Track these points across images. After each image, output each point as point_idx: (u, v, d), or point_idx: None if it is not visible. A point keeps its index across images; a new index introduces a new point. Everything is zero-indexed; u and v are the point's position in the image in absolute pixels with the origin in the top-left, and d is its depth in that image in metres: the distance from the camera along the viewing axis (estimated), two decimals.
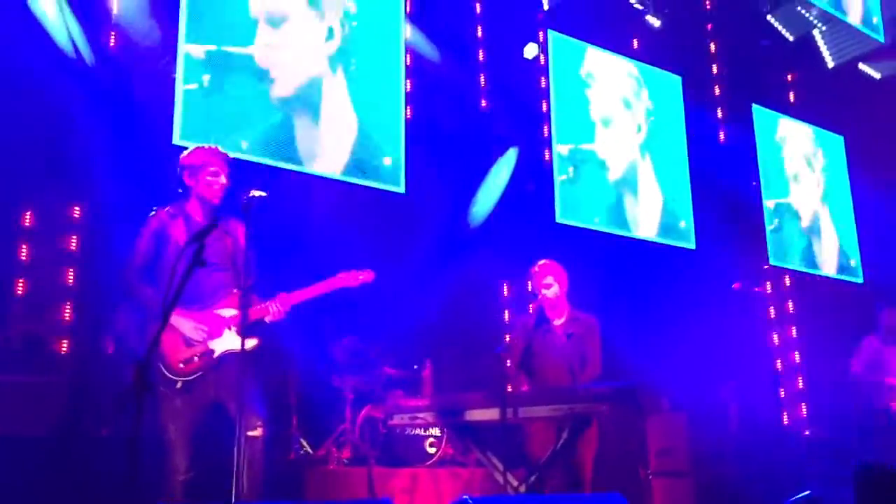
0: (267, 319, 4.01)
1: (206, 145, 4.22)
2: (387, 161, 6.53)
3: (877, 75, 9.53)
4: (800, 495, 3.74)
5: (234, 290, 4.01)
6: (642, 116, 8.31)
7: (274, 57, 6.10)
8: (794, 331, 8.65)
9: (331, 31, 6.50)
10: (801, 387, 8.47)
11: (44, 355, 5.39)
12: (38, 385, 5.00)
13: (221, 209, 4.08)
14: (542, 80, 7.85)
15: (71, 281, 5.47)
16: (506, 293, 7.45)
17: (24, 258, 5.37)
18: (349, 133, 6.42)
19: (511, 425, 4.45)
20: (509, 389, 4.94)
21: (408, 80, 6.92)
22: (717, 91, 9.17)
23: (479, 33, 7.77)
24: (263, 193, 3.82)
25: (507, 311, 7.41)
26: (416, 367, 6.35)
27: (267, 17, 6.15)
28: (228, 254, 4.01)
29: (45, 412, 4.91)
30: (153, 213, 4.09)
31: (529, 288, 5.44)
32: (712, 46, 9.23)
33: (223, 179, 4.09)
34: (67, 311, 5.43)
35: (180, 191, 4.15)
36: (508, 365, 5.29)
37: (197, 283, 3.61)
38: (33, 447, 4.59)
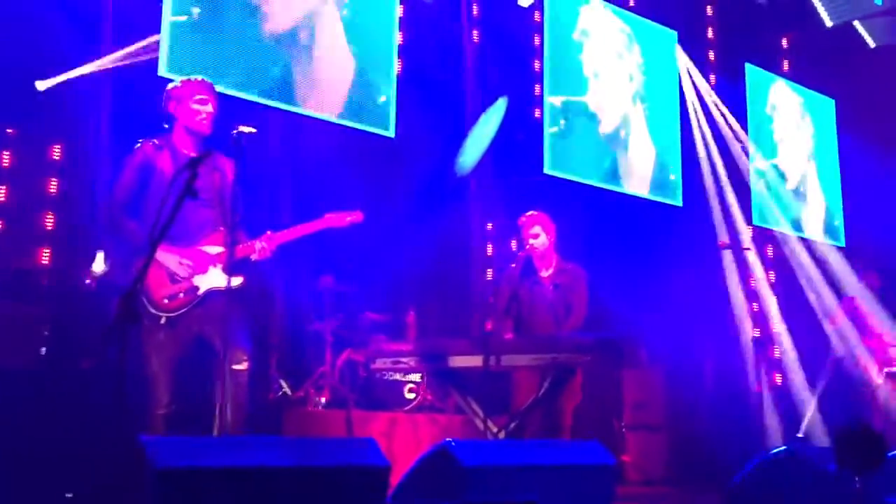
0: (253, 258, 3.97)
1: (193, 77, 4.11)
2: (381, 99, 6.42)
3: (871, 43, 9.47)
4: (776, 450, 3.78)
5: (221, 227, 3.95)
6: (634, 68, 8.24)
7: None
8: (775, 302, 8.70)
9: None
10: (776, 355, 8.55)
11: (25, 288, 5.35)
12: (19, 317, 4.96)
13: (210, 140, 3.99)
14: (536, 38, 7.75)
15: (50, 222, 5.42)
16: (490, 247, 7.43)
17: (2, 199, 5.32)
18: (346, 73, 6.30)
19: (494, 373, 4.47)
20: (492, 335, 4.95)
21: (401, 32, 6.79)
22: (710, 48, 9.09)
23: None
24: (253, 129, 3.76)
25: (492, 260, 7.39)
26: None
27: None
28: (216, 189, 3.92)
29: (26, 344, 4.89)
30: (138, 145, 3.99)
31: (514, 243, 5.44)
32: (709, 9, 9.14)
33: (210, 108, 3.98)
34: (46, 252, 5.39)
35: (166, 126, 4.05)
36: (493, 314, 5.30)
37: (183, 218, 3.46)
38: (14, 379, 4.56)
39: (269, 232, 4.01)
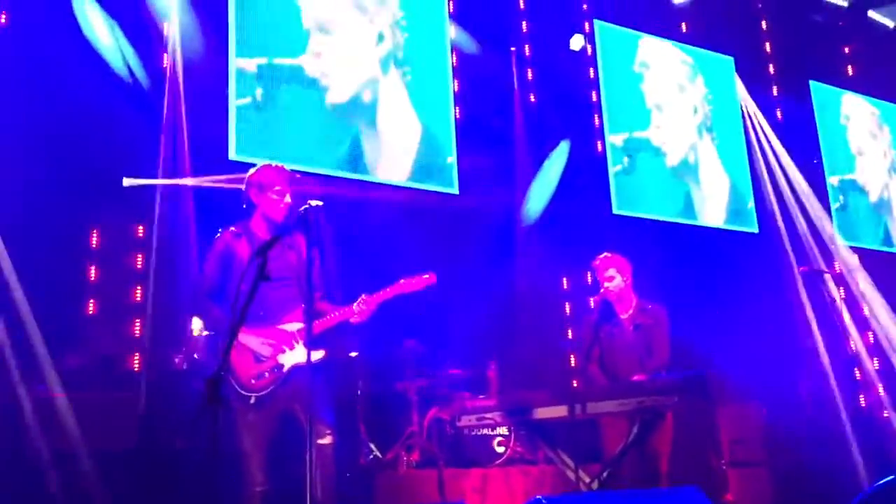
0: (353, 321, 4.05)
1: (272, 163, 4.24)
2: (449, 160, 6.52)
3: (890, 24, 9.15)
4: (884, 480, 3.61)
5: (301, 304, 4.03)
6: (699, 99, 8.16)
7: (325, 64, 6.14)
8: (865, 309, 8.39)
9: (381, 35, 6.52)
10: (876, 367, 8.21)
11: (117, 373, 5.54)
12: (113, 401, 5.13)
13: (283, 225, 4.11)
14: (591, 70, 7.76)
15: (139, 298, 5.59)
16: (566, 288, 7.38)
17: (92, 278, 5.52)
18: (413, 137, 6.43)
19: (580, 421, 4.41)
20: (576, 385, 4.90)
21: (455, 80, 6.90)
22: (771, 69, 8.95)
23: (524, 28, 7.73)
24: (320, 203, 3.85)
25: (567, 305, 7.34)
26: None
27: (317, 25, 6.19)
28: (293, 268, 4.03)
29: (122, 427, 5.04)
30: (219, 234, 4.16)
31: (590, 281, 5.40)
32: (763, 24, 9.01)
33: (288, 199, 4.12)
34: (137, 327, 5.56)
35: (245, 206, 4.20)
36: (575, 362, 5.25)
37: (263, 299, 3.66)
38: (112, 461, 4.71)
39: (363, 295, 4.08)
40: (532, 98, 7.56)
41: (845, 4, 8.87)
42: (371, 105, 6.31)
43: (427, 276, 4.27)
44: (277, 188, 4.10)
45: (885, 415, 7.89)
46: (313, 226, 3.79)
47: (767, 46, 8.98)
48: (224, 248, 4.08)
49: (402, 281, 4.22)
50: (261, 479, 3.85)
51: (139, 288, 5.61)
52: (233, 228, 4.15)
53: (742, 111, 8.47)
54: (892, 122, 9.59)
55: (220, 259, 4.06)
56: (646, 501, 3.34)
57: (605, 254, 5.32)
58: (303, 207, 3.83)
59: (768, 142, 8.55)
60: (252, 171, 4.21)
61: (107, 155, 5.45)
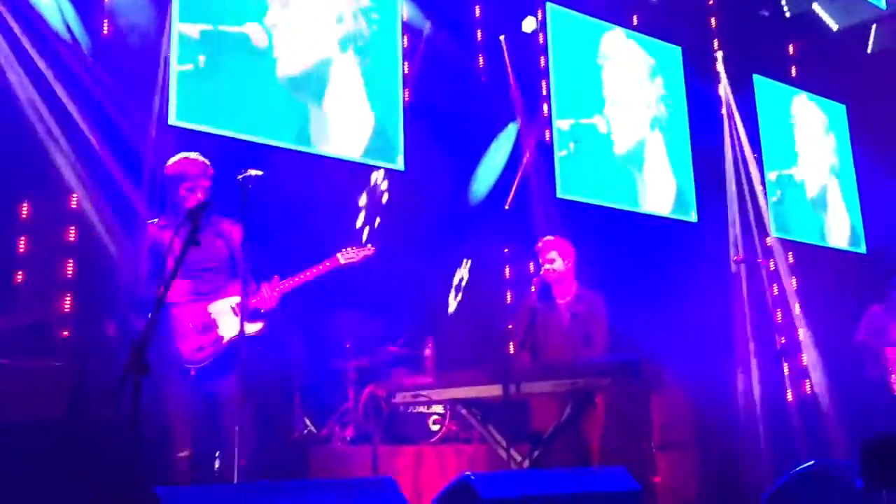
0: (262, 309, 4.11)
1: (188, 156, 4.22)
2: (399, 159, 6.50)
3: (834, 26, 9.36)
4: (803, 466, 3.73)
5: (237, 279, 4.06)
6: (654, 96, 8.26)
7: (279, 37, 6.04)
8: (797, 307, 8.60)
9: (340, 17, 6.44)
10: (804, 363, 8.44)
11: (47, 341, 5.40)
12: (41, 370, 5.01)
13: (218, 187, 4.13)
14: (542, 56, 7.78)
15: (70, 271, 5.43)
16: (507, 271, 7.42)
17: (22, 250, 5.35)
18: (364, 125, 6.38)
19: (514, 401, 4.45)
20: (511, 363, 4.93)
21: (405, 63, 6.85)
22: (717, 61, 9.06)
23: (477, 11, 7.71)
24: (260, 172, 3.82)
25: (509, 290, 7.37)
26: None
27: None
28: (222, 257, 4.11)
29: (51, 397, 4.93)
30: (147, 228, 4.20)
31: (532, 268, 5.42)
32: (713, 21, 9.14)
33: (199, 195, 4.08)
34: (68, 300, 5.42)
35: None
36: (511, 344, 5.28)
37: (196, 286, 3.93)
38: (39, 432, 4.62)
39: (276, 278, 4.10)
40: (482, 79, 7.55)
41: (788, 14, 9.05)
42: (322, 82, 6.23)
43: (364, 249, 4.30)
44: (189, 183, 4.09)
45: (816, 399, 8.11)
46: (250, 195, 3.78)
47: (715, 40, 9.10)
48: (152, 244, 4.10)
49: (336, 255, 4.25)
50: (186, 445, 3.88)
51: (70, 261, 5.45)
52: (157, 220, 4.18)
53: (689, 100, 8.56)
54: (837, 130, 9.83)
55: (151, 254, 4.06)
56: (573, 480, 3.38)
57: (549, 237, 5.35)
58: (241, 176, 3.80)
59: (717, 131, 8.68)
60: (169, 162, 4.20)
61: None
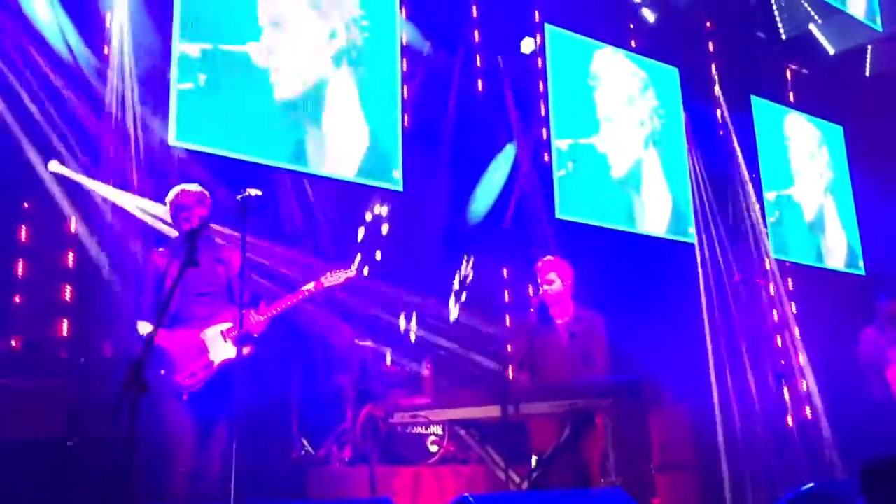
0: (253, 334, 4.17)
1: (186, 187, 4.29)
2: (396, 173, 6.50)
3: (831, 50, 9.42)
4: (803, 487, 3.70)
5: (227, 311, 4.15)
6: (647, 112, 8.28)
7: (276, 59, 6.06)
8: (796, 331, 8.57)
9: (333, 32, 6.47)
10: (805, 389, 8.40)
11: (45, 361, 5.39)
12: (40, 389, 5.01)
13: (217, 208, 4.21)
14: (541, 75, 7.81)
15: (69, 295, 5.48)
16: (507, 294, 7.40)
17: (20, 274, 5.40)
18: (360, 142, 6.39)
19: (513, 422, 4.42)
20: (509, 384, 4.91)
21: (405, 86, 6.87)
22: (715, 83, 9.11)
23: (476, 34, 7.75)
24: (259, 192, 3.85)
25: (507, 311, 7.35)
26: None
27: (271, 20, 6.11)
28: (220, 282, 4.18)
29: (49, 415, 4.93)
30: (150, 257, 4.27)
31: (531, 290, 5.41)
32: (710, 44, 9.19)
33: (194, 223, 4.16)
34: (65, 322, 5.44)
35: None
36: (510, 365, 5.26)
37: (193, 312, 4.03)
38: (38, 449, 4.62)
39: (262, 303, 4.15)
40: (479, 92, 7.58)
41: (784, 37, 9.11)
42: (318, 104, 6.25)
43: (346, 271, 4.37)
44: (186, 213, 4.19)
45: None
46: (249, 214, 3.79)
47: (712, 62, 9.15)
48: (154, 271, 4.16)
49: (323, 277, 4.31)
50: (185, 461, 3.91)
51: (69, 286, 5.46)
52: (161, 249, 4.27)
53: (687, 121, 8.58)
54: (832, 145, 9.86)
55: (157, 283, 4.10)
56: (571, 501, 3.36)
57: (548, 257, 5.34)
58: (240, 195, 3.82)
59: (716, 153, 8.70)
60: (169, 195, 4.30)
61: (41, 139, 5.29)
